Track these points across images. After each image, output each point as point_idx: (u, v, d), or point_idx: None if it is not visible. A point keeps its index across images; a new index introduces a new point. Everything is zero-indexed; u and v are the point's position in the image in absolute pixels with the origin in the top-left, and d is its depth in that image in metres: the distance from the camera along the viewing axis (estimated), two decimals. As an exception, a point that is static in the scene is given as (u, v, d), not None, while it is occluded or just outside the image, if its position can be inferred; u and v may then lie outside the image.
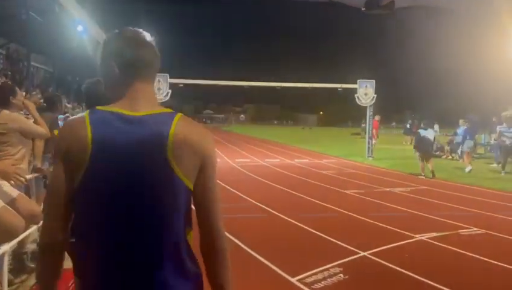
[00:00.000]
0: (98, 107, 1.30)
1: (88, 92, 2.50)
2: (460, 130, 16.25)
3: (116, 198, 1.24)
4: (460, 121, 16.46)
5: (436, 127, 40.68)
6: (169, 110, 1.32)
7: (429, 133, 12.08)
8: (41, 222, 1.35)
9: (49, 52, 24.78)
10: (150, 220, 1.25)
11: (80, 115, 1.30)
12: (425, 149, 11.96)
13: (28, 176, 4.17)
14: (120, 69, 1.32)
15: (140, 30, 1.38)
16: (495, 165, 15.10)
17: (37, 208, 3.65)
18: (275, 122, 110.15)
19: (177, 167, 1.24)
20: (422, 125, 12.56)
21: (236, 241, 5.37)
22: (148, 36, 1.37)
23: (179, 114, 1.30)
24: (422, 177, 11.87)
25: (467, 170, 13.04)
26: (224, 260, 1.35)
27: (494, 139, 15.82)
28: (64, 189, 1.26)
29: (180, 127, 1.26)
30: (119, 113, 1.27)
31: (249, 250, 5.04)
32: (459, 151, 15.14)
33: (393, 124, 68.15)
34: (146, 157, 1.23)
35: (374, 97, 17.69)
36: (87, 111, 1.30)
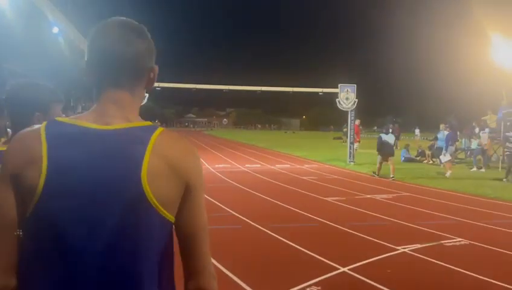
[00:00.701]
0: (58, 119, 1.03)
1: (12, 97, 1.89)
2: (440, 135, 16.19)
3: (76, 241, 0.94)
4: (441, 126, 16.43)
5: (417, 131, 41.21)
6: (148, 123, 1.05)
7: (389, 138, 12.91)
8: None
9: (23, 56, 24.05)
10: (119, 267, 0.96)
11: (35, 127, 1.02)
12: (387, 152, 12.75)
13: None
14: (89, 70, 1.06)
15: (124, 19, 1.10)
16: (475, 169, 15.09)
17: None
18: (259, 126, 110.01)
19: (154, 197, 0.97)
20: (383, 130, 13.29)
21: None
22: (134, 27, 1.09)
23: (160, 129, 1.03)
24: (375, 176, 12.96)
25: (448, 174, 13.04)
26: None
27: (478, 145, 15.81)
28: (13, 218, 0.98)
29: (159, 145, 1.00)
30: (84, 127, 1.00)
31: (219, 266, 4.67)
32: (441, 157, 15.17)
33: (375, 128, 68.69)
34: (116, 185, 0.96)
35: (355, 102, 17.54)
36: (44, 123, 1.02)
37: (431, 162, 17.76)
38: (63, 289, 0.95)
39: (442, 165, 14.60)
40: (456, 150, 14.77)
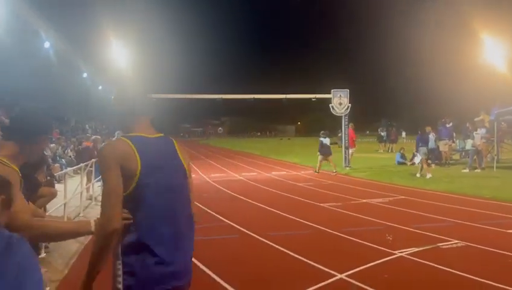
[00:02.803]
0: (131, 134, 1.98)
1: (25, 121, 2.15)
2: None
3: (165, 197, 1.92)
4: (427, 128, 16.52)
5: (404, 134, 41.35)
6: (162, 134, 2.08)
7: (327, 141, 15.74)
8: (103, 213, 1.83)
9: (15, 70, 23.97)
10: (185, 200, 2.05)
11: (119, 138, 1.96)
12: (326, 152, 15.53)
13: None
14: (140, 108, 2.05)
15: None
16: (466, 170, 15.10)
17: None
18: (258, 133, 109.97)
19: (187, 168, 2.07)
20: (321, 135, 15.88)
21: (202, 267, 4.93)
22: None
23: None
24: (316, 172, 15.61)
25: (418, 175, 13.57)
26: None
27: (472, 146, 15.86)
28: (122, 187, 1.84)
29: (176, 144, 2.09)
30: (145, 137, 1.99)
31: (215, 277, 4.61)
32: (415, 159, 15.51)
33: (367, 132, 68.63)
34: (174, 165, 2.02)
35: (348, 106, 17.58)
36: (122, 136, 1.96)
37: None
38: (164, 221, 1.90)
39: (417, 164, 14.85)
40: (428, 152, 14.92)
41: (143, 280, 1.80)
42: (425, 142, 14.30)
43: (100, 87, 32.14)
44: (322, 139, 15.81)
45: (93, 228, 1.86)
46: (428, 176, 13.33)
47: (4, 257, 1.18)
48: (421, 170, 13.97)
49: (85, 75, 27.59)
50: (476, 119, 18.28)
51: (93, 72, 29.32)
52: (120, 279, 1.82)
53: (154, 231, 1.84)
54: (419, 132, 14.75)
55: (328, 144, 15.76)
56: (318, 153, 15.83)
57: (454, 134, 18.93)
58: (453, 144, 18.69)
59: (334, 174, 14.99)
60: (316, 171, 15.79)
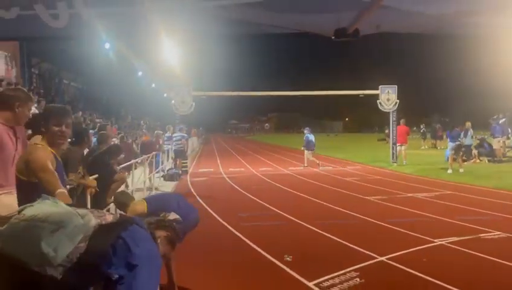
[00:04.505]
0: None
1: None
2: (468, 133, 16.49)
3: None
4: (467, 124, 16.25)
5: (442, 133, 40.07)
6: None
7: (312, 137, 17.20)
8: None
9: (78, 70, 25.77)
10: None
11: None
12: (311, 148, 17.05)
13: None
14: None
15: None
16: None
17: None
18: (307, 128, 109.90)
19: None
20: (306, 131, 17.49)
21: (256, 247, 5.53)
22: None
23: None
24: (302, 167, 16.80)
25: (448, 171, 13.62)
26: None
27: None
28: None
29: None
30: None
31: (268, 256, 5.19)
32: (446, 152, 15.63)
33: (414, 128, 66.43)
34: None
35: (396, 102, 17.56)
36: None
37: (478, 161, 17.43)
38: None
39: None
40: (460, 147, 14.71)
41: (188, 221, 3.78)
42: (453, 138, 14.28)
43: (153, 85, 33.73)
44: (308, 135, 17.13)
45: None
46: (461, 170, 13.57)
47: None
48: (451, 165, 13.99)
49: (140, 73, 29.17)
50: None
51: (147, 71, 30.81)
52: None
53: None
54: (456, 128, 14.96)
55: (313, 140, 17.25)
56: (303, 148, 17.31)
57: (509, 130, 18.37)
58: (508, 140, 18.16)
59: (319, 166, 16.42)
60: (304, 166, 17.00)
